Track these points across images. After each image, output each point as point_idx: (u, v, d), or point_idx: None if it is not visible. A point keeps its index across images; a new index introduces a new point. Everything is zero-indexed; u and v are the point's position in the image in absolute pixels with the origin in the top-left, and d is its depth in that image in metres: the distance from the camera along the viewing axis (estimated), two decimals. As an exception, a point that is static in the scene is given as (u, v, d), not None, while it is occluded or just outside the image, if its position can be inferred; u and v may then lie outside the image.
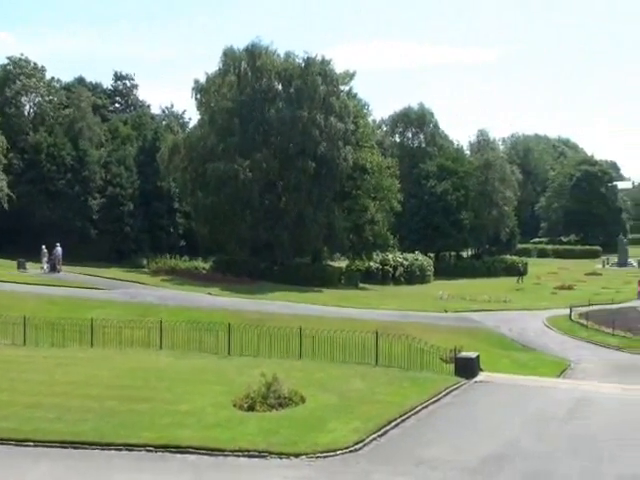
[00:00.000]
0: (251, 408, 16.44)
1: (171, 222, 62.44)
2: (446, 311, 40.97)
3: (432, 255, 72.52)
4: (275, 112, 53.52)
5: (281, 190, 54.56)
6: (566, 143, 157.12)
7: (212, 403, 16.87)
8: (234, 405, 16.68)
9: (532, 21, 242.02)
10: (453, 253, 78.95)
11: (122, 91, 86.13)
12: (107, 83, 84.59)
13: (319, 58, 55.67)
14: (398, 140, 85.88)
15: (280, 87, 56.13)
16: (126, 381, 19.04)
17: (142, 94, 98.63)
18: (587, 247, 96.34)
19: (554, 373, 26.82)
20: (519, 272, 63.54)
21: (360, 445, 14.16)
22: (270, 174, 53.06)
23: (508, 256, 76.64)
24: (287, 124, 52.84)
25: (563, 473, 13.09)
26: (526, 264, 74.05)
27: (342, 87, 59.85)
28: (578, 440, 15.10)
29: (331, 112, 53.92)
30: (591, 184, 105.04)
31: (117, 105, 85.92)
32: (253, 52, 55.08)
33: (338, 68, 59.00)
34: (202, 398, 17.26)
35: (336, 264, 60.98)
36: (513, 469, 13.28)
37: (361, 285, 56.51)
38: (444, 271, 68.33)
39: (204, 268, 55.29)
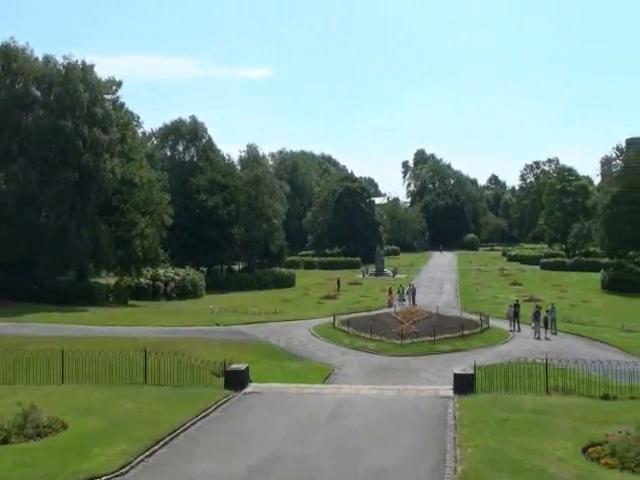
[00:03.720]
0: (5, 441, 15.19)
1: None
2: (218, 325, 41.23)
3: (204, 269, 72.64)
4: (33, 120, 49.93)
5: (41, 203, 50.88)
6: (329, 160, 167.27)
7: (-42, 440, 15.22)
8: (-16, 440, 15.23)
9: (304, 42, 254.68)
10: (225, 267, 79.75)
11: None
12: None
13: (80, 64, 52.89)
14: (169, 153, 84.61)
15: (39, 93, 52.47)
16: None
17: None
18: (349, 258, 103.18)
19: (320, 379, 28.20)
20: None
21: (127, 468, 13.74)
22: (29, 186, 49.19)
23: (278, 269, 79.39)
24: (47, 133, 49.61)
25: (324, 473, 13.88)
26: (294, 276, 77.45)
27: (108, 96, 57.56)
28: (339, 440, 16.13)
29: (95, 122, 51.63)
30: (352, 199, 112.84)
31: None
32: (7, 53, 50.84)
33: (105, 77, 56.77)
34: (-54, 436, 15.49)
35: (103, 281, 58.35)
36: (279, 475, 13.80)
37: (131, 302, 54.74)
38: (216, 285, 68.80)
39: (-51, 291, 49.51)
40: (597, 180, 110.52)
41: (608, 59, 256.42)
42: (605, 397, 19.83)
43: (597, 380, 21.32)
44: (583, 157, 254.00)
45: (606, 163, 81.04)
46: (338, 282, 68.66)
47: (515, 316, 41.23)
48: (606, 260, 78.38)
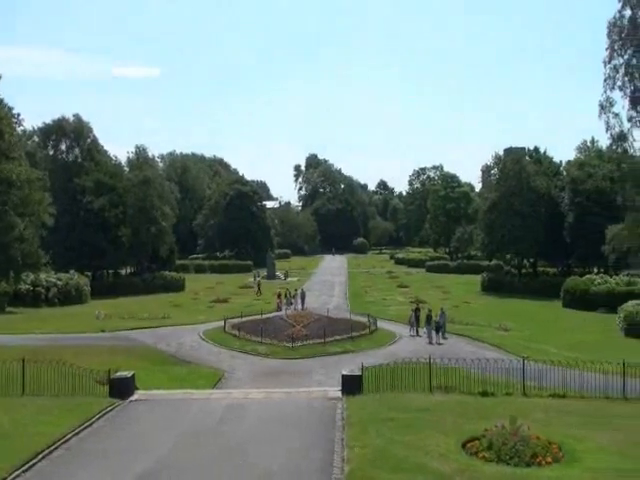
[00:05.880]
0: None
1: None
2: (103, 331, 39.88)
3: (89, 274, 69.87)
4: None
5: None
6: (220, 163, 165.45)
7: None
8: None
9: (190, 41, 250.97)
10: (111, 271, 77.10)
11: None
12: None
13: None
14: (52, 153, 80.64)
15: None
16: None
17: None
18: (241, 262, 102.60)
19: (210, 384, 27.83)
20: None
21: (2, 485, 13.05)
22: None
23: (167, 272, 77.70)
24: None
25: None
26: (184, 280, 76.06)
27: (-16, 91, 54.22)
28: (227, 445, 16.04)
29: (-32, 117, 48.53)
30: (243, 203, 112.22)
31: None
32: None
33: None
34: None
35: (-22, 287, 54.84)
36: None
37: (9, 309, 51.90)
38: (102, 290, 66.29)
39: None
40: (478, 187, 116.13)
41: (491, 68, 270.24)
42: (483, 394, 20.89)
43: (476, 378, 22.41)
44: (466, 164, 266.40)
45: (486, 171, 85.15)
46: (258, 285, 68.50)
47: (417, 320, 41.91)
48: (486, 263, 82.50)
